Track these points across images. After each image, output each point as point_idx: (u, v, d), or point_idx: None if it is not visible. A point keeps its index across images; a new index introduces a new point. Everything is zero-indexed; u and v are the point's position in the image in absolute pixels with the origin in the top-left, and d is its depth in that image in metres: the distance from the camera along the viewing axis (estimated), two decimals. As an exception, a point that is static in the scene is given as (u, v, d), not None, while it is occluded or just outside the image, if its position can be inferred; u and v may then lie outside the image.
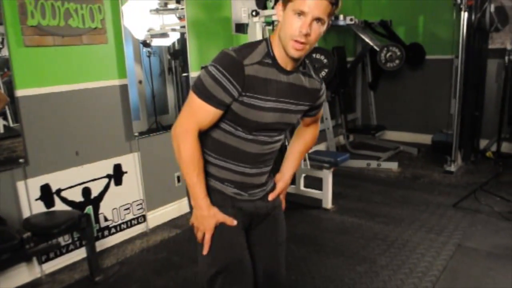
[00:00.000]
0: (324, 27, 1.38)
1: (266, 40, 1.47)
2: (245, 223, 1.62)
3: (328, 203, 3.96)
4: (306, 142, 1.81)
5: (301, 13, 1.33)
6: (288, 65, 1.46)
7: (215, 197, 1.57)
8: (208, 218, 1.51)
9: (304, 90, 1.54)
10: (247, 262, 1.60)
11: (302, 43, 1.36)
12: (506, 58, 4.64)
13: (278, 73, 1.45)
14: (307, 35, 1.34)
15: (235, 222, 1.53)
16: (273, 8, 4.27)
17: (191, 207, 1.59)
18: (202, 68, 1.49)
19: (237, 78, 1.37)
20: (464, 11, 4.51)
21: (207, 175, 1.55)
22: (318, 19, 1.34)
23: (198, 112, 1.43)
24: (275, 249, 1.74)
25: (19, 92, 2.77)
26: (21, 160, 2.79)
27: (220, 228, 1.53)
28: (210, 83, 1.38)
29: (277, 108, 1.48)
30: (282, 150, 1.79)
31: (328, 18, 1.37)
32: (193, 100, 1.43)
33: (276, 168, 1.75)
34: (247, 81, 1.38)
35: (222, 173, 1.56)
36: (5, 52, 2.68)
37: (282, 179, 1.76)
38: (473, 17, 4.61)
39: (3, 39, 2.66)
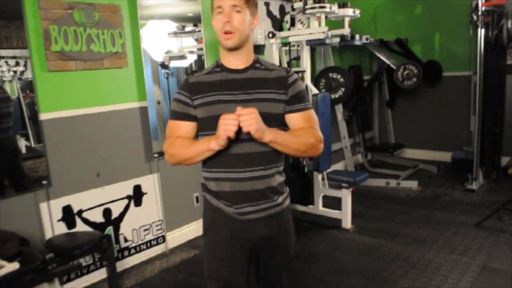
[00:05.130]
0: (247, 16, 1.55)
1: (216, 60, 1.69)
2: (247, 248, 1.68)
3: (347, 223, 3.92)
4: (302, 131, 1.62)
5: (219, 10, 1.53)
6: (238, 65, 1.62)
7: (212, 214, 1.68)
8: (221, 121, 1.47)
9: (265, 80, 1.63)
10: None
11: (229, 32, 1.53)
12: (526, 74, 4.59)
13: (228, 74, 1.62)
14: (228, 22, 1.51)
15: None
16: (289, 29, 4.33)
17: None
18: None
19: (186, 89, 1.64)
20: (481, 28, 4.49)
21: (208, 192, 1.69)
22: (234, 6, 1.51)
23: (173, 130, 1.65)
24: (278, 273, 1.77)
25: (43, 116, 2.84)
26: (44, 182, 2.85)
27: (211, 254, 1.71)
28: (175, 105, 1.66)
29: (233, 100, 1.57)
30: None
31: (246, 6, 1.54)
32: (168, 125, 1.68)
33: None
34: (192, 88, 1.62)
35: (219, 185, 1.63)
36: (27, 75, 2.77)
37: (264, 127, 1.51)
38: (490, 33, 4.59)
39: (26, 62, 2.74)
